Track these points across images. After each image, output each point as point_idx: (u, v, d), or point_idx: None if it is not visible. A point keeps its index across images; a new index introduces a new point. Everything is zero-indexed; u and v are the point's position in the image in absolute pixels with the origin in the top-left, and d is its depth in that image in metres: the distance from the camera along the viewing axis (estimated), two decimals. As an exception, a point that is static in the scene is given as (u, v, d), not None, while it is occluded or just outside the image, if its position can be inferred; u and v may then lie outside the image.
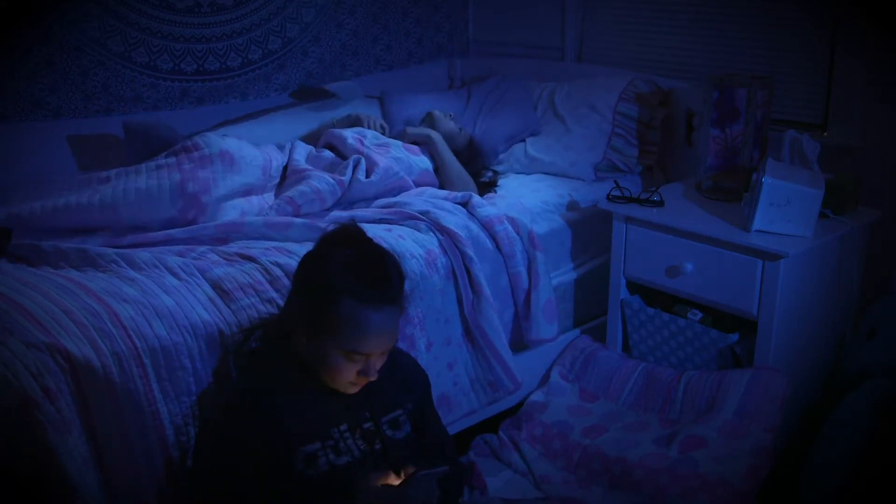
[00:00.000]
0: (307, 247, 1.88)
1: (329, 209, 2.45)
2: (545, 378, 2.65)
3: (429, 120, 2.98)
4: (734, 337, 2.42)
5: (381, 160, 2.56)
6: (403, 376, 1.87)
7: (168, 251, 2.11)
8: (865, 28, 2.61)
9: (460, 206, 2.47)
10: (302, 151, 2.64)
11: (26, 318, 1.71)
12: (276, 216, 2.33)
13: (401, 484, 1.67)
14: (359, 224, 1.86)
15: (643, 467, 2.21)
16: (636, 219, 2.52)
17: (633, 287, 2.65)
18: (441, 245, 2.29)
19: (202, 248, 2.15)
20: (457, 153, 2.84)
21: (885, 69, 2.59)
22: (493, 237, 2.42)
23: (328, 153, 2.63)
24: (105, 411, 1.70)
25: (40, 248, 2.07)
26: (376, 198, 2.52)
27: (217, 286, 1.95)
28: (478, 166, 2.93)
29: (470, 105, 3.24)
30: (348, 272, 1.64)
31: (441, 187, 2.70)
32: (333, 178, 2.45)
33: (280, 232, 2.24)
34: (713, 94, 2.51)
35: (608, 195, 2.62)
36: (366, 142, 2.67)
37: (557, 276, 2.67)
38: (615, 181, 2.66)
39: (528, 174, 3.00)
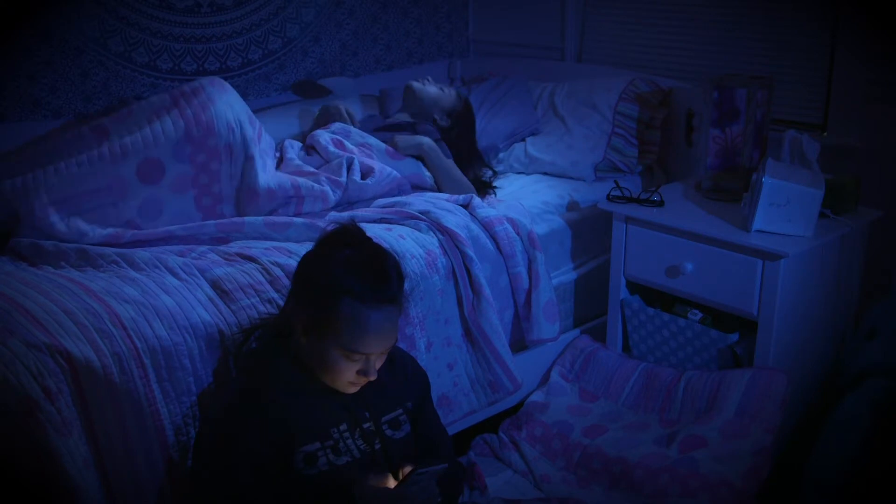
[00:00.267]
0: (307, 247, 1.88)
1: (329, 210, 2.45)
2: (545, 378, 2.65)
3: (409, 96, 2.89)
4: (734, 337, 2.42)
5: (376, 164, 2.55)
6: (403, 376, 1.87)
7: (168, 251, 2.11)
8: (865, 28, 2.61)
9: (461, 207, 2.47)
10: (294, 151, 2.63)
11: (27, 319, 1.71)
12: (276, 217, 2.33)
13: (400, 483, 1.67)
14: (359, 224, 1.86)
15: (643, 467, 2.21)
16: (636, 219, 2.52)
17: (633, 287, 2.65)
18: (441, 245, 2.29)
19: (202, 248, 2.16)
20: (451, 127, 2.80)
21: (885, 69, 2.59)
22: (493, 238, 2.42)
23: (316, 157, 2.61)
24: (105, 412, 1.70)
25: (41, 247, 2.07)
26: (374, 199, 2.52)
27: (217, 286, 1.95)
28: (470, 141, 2.88)
29: (470, 104, 3.24)
30: (348, 272, 1.64)
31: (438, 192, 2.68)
32: (331, 181, 2.45)
33: (280, 232, 2.24)
34: (713, 94, 2.51)
35: (608, 195, 2.62)
36: (348, 143, 2.64)
37: (557, 276, 2.67)
38: (615, 181, 2.66)
39: (527, 174, 3.00)
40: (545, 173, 2.97)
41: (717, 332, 2.43)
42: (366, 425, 1.76)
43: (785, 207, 2.25)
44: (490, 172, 2.95)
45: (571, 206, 2.78)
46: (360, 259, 1.67)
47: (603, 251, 2.75)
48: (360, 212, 2.40)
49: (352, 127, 2.74)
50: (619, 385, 2.53)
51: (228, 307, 1.92)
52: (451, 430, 2.26)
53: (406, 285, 1.73)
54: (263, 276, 2.01)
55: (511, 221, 2.47)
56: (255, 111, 2.92)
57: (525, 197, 2.74)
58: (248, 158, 2.36)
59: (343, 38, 3.31)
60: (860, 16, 2.62)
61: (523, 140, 3.09)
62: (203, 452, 1.75)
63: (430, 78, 2.95)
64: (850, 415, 2.03)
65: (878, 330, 2.15)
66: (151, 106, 2.32)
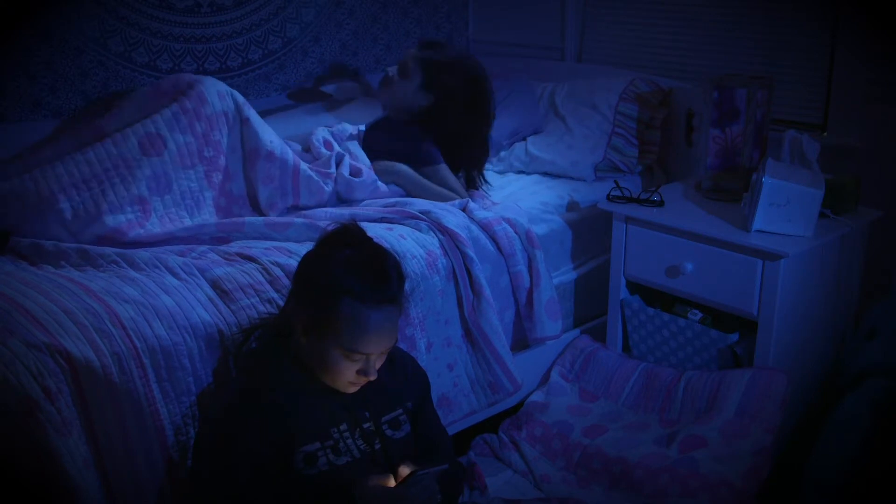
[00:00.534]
0: (307, 247, 1.88)
1: (324, 204, 2.46)
2: (545, 378, 2.65)
3: (386, 85, 2.66)
4: (734, 337, 2.42)
5: (364, 167, 2.54)
6: (403, 376, 1.88)
7: (169, 251, 2.11)
8: (865, 28, 2.61)
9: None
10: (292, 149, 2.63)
11: (27, 319, 1.71)
12: (276, 217, 2.33)
13: (401, 483, 1.67)
14: (360, 223, 1.86)
15: (643, 467, 2.21)
16: (636, 219, 2.52)
17: (633, 287, 2.65)
18: (442, 245, 2.29)
19: (202, 248, 2.16)
20: (421, 115, 2.59)
21: (885, 69, 2.59)
22: (492, 238, 2.42)
23: (309, 156, 2.61)
24: (105, 412, 1.70)
25: (41, 247, 2.07)
26: (363, 201, 2.51)
27: (217, 286, 1.95)
28: (471, 126, 2.65)
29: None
30: (349, 272, 1.64)
31: None
32: (321, 174, 2.45)
33: (280, 232, 2.24)
34: (713, 94, 2.51)
35: (608, 195, 2.62)
36: (337, 146, 2.63)
37: (557, 276, 2.67)
38: (615, 181, 2.66)
39: (528, 173, 3.00)
40: (546, 173, 2.97)
41: (717, 332, 2.43)
42: (366, 425, 1.76)
43: (785, 207, 2.25)
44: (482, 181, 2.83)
45: (571, 206, 2.78)
46: (361, 259, 1.67)
47: (603, 251, 2.75)
48: (361, 210, 2.40)
49: (349, 131, 2.74)
50: (619, 385, 2.53)
51: (228, 307, 1.92)
52: (451, 431, 2.26)
53: (406, 286, 1.74)
54: (263, 275, 2.01)
55: (508, 221, 2.47)
56: (260, 113, 2.96)
57: (525, 198, 2.74)
58: (245, 121, 2.36)
59: (343, 38, 3.31)
60: (860, 16, 2.62)
61: (524, 139, 3.09)
62: (203, 452, 1.75)
63: (395, 69, 2.64)
64: (850, 415, 2.03)
65: (878, 330, 2.15)
66: (141, 96, 2.35)
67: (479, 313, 2.34)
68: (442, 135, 2.62)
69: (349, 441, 1.73)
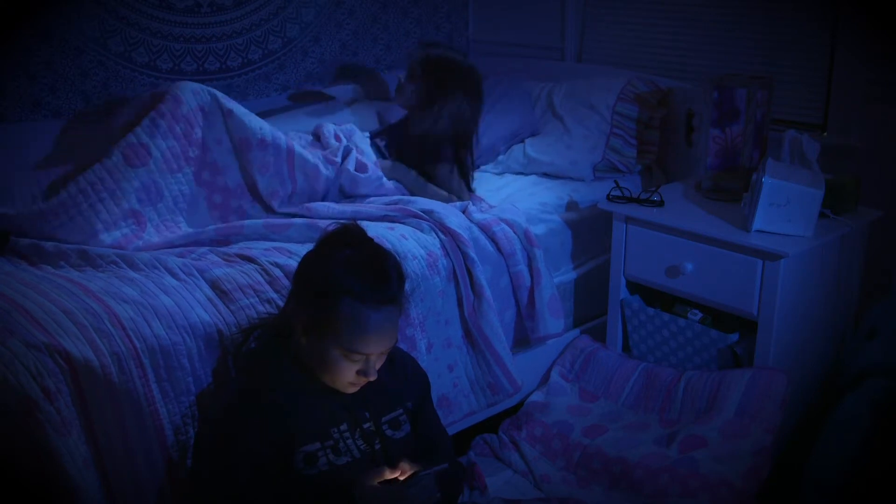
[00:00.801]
0: (307, 247, 1.88)
1: (324, 196, 2.45)
2: (545, 378, 2.65)
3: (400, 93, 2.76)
4: (734, 337, 2.42)
5: (370, 164, 2.55)
6: (403, 376, 1.88)
7: (169, 253, 2.11)
8: (865, 28, 2.61)
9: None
10: (300, 139, 2.63)
11: (26, 319, 1.71)
12: (275, 219, 2.33)
13: (401, 483, 1.67)
14: (360, 223, 1.86)
15: (643, 467, 2.21)
16: (636, 219, 2.52)
17: (633, 287, 2.65)
18: (443, 246, 2.29)
19: (202, 249, 2.16)
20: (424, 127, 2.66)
21: (885, 69, 2.59)
22: (492, 239, 2.42)
23: (319, 146, 2.61)
24: (105, 412, 1.70)
25: (41, 247, 2.07)
26: (367, 198, 2.51)
27: (216, 286, 1.95)
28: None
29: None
30: (349, 272, 1.64)
31: None
32: (326, 157, 2.44)
33: (280, 233, 2.24)
34: (713, 94, 2.51)
35: (608, 195, 2.62)
36: (346, 141, 2.64)
37: (557, 276, 2.67)
38: (615, 181, 2.66)
39: (526, 174, 3.00)
40: (544, 174, 2.97)
41: (717, 332, 2.43)
42: (366, 425, 1.76)
43: (785, 207, 2.25)
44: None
45: (570, 206, 2.78)
46: (361, 259, 1.67)
47: (603, 251, 2.75)
48: (363, 207, 2.40)
49: (356, 132, 2.74)
50: (619, 385, 2.53)
51: (227, 307, 1.92)
52: (451, 431, 2.26)
53: (406, 286, 1.74)
54: (262, 276, 2.01)
55: (506, 222, 2.47)
56: (256, 114, 2.96)
57: (523, 199, 2.74)
58: (227, 113, 2.35)
59: (343, 38, 3.31)
60: (860, 16, 2.62)
61: (522, 141, 3.09)
62: (203, 452, 1.75)
63: (401, 79, 2.76)
64: (850, 415, 2.03)
65: (878, 330, 2.15)
66: (126, 111, 2.39)
67: (479, 314, 2.34)
68: (446, 133, 2.65)
69: (349, 441, 1.73)
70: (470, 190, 2.73)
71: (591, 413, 2.50)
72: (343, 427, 1.74)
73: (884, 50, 2.57)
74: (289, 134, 2.59)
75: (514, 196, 2.79)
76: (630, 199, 2.58)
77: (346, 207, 2.38)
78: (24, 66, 2.57)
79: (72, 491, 1.60)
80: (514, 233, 2.46)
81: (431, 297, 2.25)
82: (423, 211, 2.37)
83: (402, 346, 2.08)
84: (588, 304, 2.79)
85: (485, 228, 2.43)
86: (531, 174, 2.99)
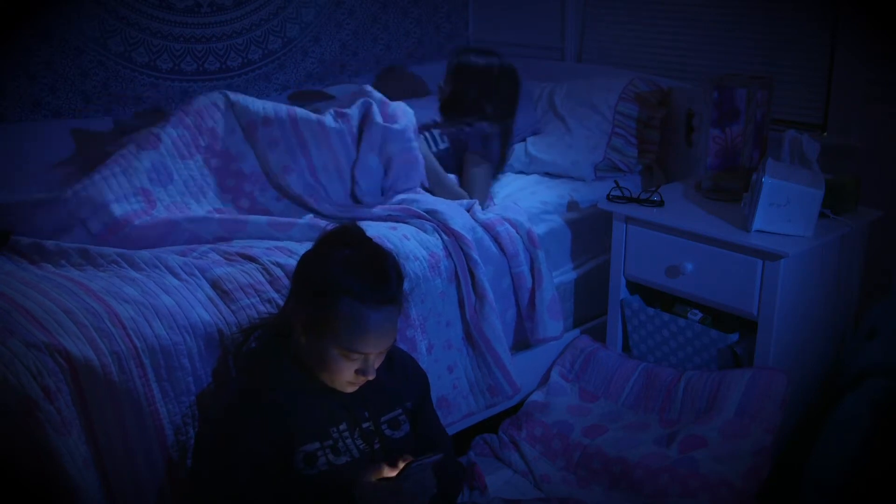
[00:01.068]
0: (308, 246, 1.88)
1: (338, 163, 2.40)
2: (545, 378, 2.65)
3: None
4: (734, 337, 2.42)
5: (404, 119, 2.48)
6: (403, 376, 1.88)
7: (169, 251, 2.11)
8: (865, 28, 2.61)
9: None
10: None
11: (26, 319, 1.71)
12: (279, 217, 2.33)
13: (396, 477, 1.66)
14: (363, 222, 1.86)
15: (643, 467, 2.21)
16: (636, 219, 2.52)
17: (633, 287, 2.65)
18: (446, 247, 2.29)
19: (204, 248, 2.15)
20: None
21: (885, 69, 2.59)
22: (495, 238, 2.42)
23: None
24: (105, 411, 1.70)
25: (42, 245, 2.07)
26: (396, 157, 2.44)
27: (217, 286, 1.95)
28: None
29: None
30: (347, 272, 1.64)
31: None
32: (336, 112, 2.42)
33: (283, 231, 2.24)
34: (713, 94, 2.51)
35: (608, 195, 2.62)
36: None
37: (557, 276, 2.67)
38: (615, 181, 2.66)
39: (527, 173, 3.00)
40: (546, 173, 2.97)
41: (717, 332, 2.43)
42: (365, 425, 1.76)
43: (785, 207, 2.25)
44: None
45: (571, 206, 2.78)
46: (360, 259, 1.67)
47: (603, 251, 2.75)
48: (365, 209, 2.39)
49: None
50: (619, 385, 2.53)
51: (228, 307, 1.91)
52: (450, 431, 2.26)
53: (406, 285, 1.73)
54: (263, 276, 2.01)
55: (510, 222, 2.47)
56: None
57: (524, 198, 2.74)
58: (233, 105, 2.40)
59: (343, 38, 3.31)
60: (860, 16, 2.62)
61: (524, 140, 3.09)
62: (203, 452, 1.75)
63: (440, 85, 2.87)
64: (850, 415, 2.03)
65: (878, 330, 2.15)
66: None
67: (481, 316, 2.34)
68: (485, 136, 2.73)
69: (349, 441, 1.73)
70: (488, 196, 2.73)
71: (591, 413, 2.50)
72: (342, 427, 1.74)
73: (884, 50, 2.57)
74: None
75: (515, 195, 2.79)
76: (630, 199, 2.58)
77: (345, 214, 2.36)
78: (24, 66, 2.57)
79: (72, 491, 1.60)
80: (518, 233, 2.46)
81: (432, 299, 2.24)
82: (427, 211, 2.36)
83: (402, 347, 2.08)
84: (588, 304, 2.79)
85: (488, 228, 2.42)
86: (532, 173, 2.99)
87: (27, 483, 1.60)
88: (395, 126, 2.45)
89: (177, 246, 2.17)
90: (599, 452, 2.31)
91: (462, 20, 3.70)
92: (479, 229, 2.40)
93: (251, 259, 2.06)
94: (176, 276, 1.97)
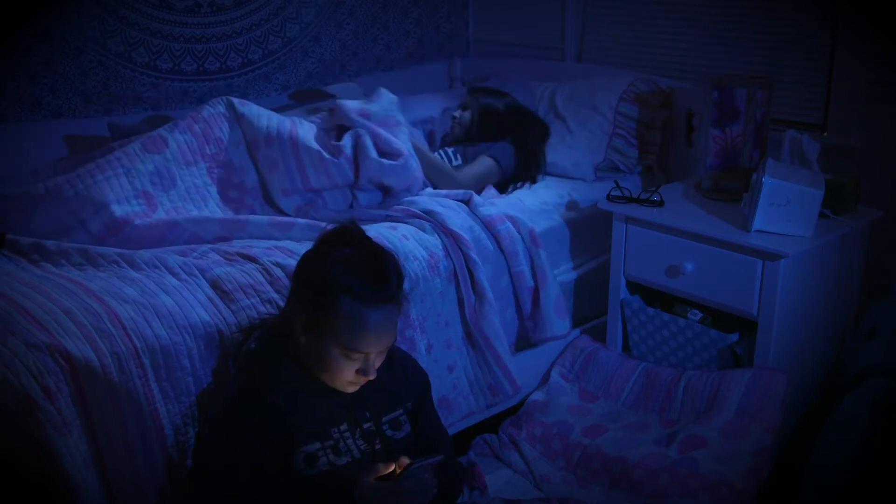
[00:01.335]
0: (308, 246, 1.88)
1: (336, 185, 2.42)
2: (545, 378, 2.65)
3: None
4: (734, 337, 2.42)
5: (403, 147, 2.48)
6: (403, 376, 1.87)
7: (169, 251, 2.11)
8: (865, 28, 2.61)
9: (462, 204, 2.46)
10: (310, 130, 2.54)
11: (27, 319, 1.71)
12: (280, 217, 2.33)
13: (396, 477, 1.66)
14: (362, 222, 1.86)
15: (643, 467, 2.21)
16: (636, 219, 2.52)
17: (633, 287, 2.65)
18: (445, 247, 2.29)
19: (204, 248, 2.16)
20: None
21: (885, 69, 2.59)
22: (494, 236, 2.42)
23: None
24: (105, 411, 1.70)
25: (42, 246, 2.07)
26: (396, 187, 2.47)
27: (217, 286, 1.95)
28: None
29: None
30: (347, 271, 1.64)
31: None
32: (331, 148, 2.42)
33: (283, 231, 2.25)
34: (713, 94, 2.51)
35: (608, 195, 2.62)
36: (372, 118, 2.56)
37: (557, 276, 2.67)
38: (615, 181, 2.66)
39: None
40: (546, 173, 2.97)
41: (717, 332, 2.43)
42: (366, 425, 1.76)
43: (785, 207, 2.25)
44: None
45: (571, 205, 2.78)
46: (360, 258, 1.67)
47: (603, 251, 2.75)
48: (366, 211, 2.40)
49: (375, 105, 2.65)
50: (619, 385, 2.53)
51: (228, 307, 1.92)
52: (450, 431, 2.26)
53: (405, 285, 1.73)
54: (263, 276, 2.01)
55: (512, 219, 2.47)
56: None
57: (524, 196, 2.74)
58: (240, 117, 2.41)
59: (343, 38, 3.31)
60: (860, 16, 2.62)
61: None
62: (203, 452, 1.75)
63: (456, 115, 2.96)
64: (850, 415, 2.03)
65: (878, 330, 2.15)
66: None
67: (480, 316, 2.34)
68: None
69: (349, 441, 1.73)
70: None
71: (591, 413, 2.50)
72: (343, 427, 1.74)
73: (884, 50, 2.57)
74: (303, 124, 2.53)
75: (515, 194, 2.79)
76: (630, 199, 2.58)
77: (345, 215, 2.36)
78: (24, 66, 2.57)
79: (72, 491, 1.60)
80: (519, 232, 2.46)
81: (431, 299, 2.24)
82: (425, 211, 2.36)
83: (401, 347, 2.08)
84: (588, 304, 2.79)
85: (489, 225, 2.42)
86: (532, 173, 2.99)
87: (27, 483, 1.60)
88: (393, 163, 2.45)
89: (177, 246, 2.17)
90: (599, 452, 2.31)
91: (462, 20, 3.70)
92: (477, 228, 2.40)
93: (251, 259, 2.06)
94: (176, 276, 1.97)
